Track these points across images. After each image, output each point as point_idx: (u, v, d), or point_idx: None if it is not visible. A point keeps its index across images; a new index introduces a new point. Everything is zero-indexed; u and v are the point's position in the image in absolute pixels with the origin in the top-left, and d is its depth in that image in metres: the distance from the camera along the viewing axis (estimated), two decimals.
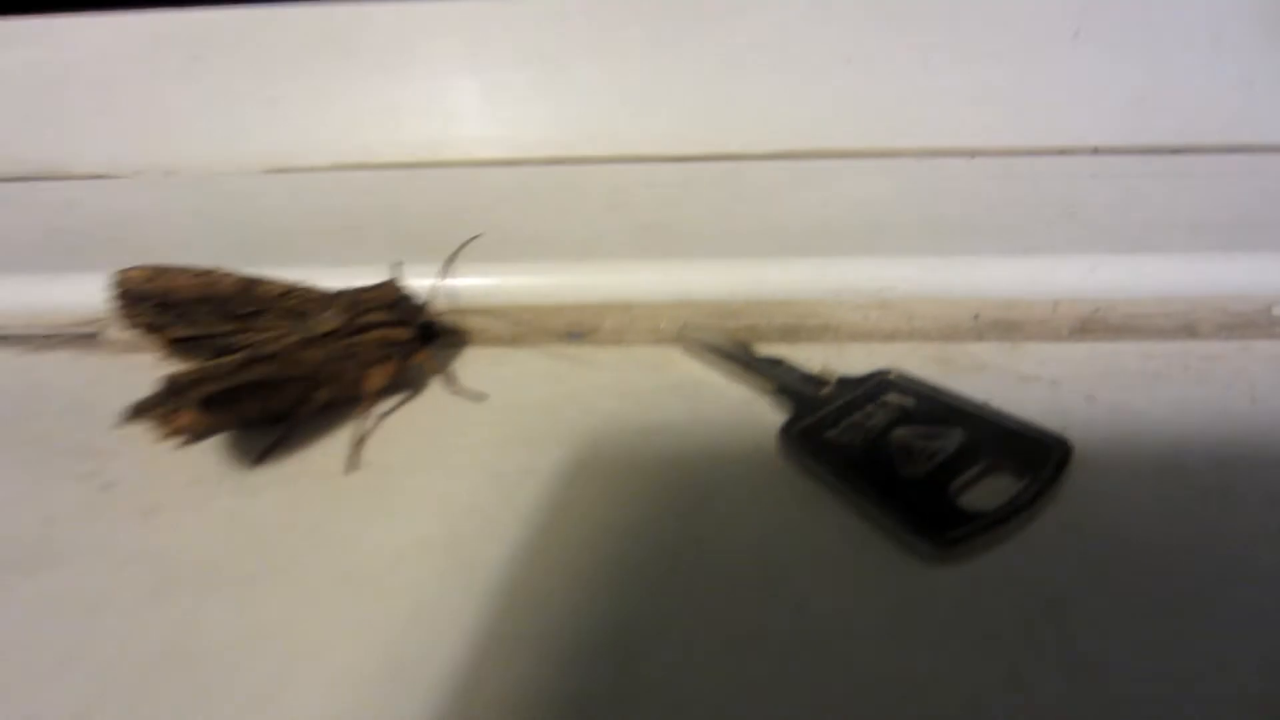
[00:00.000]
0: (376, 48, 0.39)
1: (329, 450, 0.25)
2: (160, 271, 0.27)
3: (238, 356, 0.24)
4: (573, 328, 0.29)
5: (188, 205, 0.35)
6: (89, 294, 0.30)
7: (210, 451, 0.25)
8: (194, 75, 0.39)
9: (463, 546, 0.22)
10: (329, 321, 0.26)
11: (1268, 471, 0.22)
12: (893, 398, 0.25)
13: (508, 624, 0.20)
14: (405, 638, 0.20)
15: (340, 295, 0.27)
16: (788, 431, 0.24)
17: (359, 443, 0.25)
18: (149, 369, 0.27)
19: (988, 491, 0.22)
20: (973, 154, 0.34)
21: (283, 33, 0.39)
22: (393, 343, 0.26)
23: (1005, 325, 0.28)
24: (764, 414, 0.26)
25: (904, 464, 0.23)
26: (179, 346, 0.27)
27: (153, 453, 0.25)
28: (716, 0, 0.39)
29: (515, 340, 0.29)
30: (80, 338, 0.30)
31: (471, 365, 0.28)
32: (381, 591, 0.21)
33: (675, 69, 0.38)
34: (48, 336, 0.30)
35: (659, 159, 0.36)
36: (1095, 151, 0.34)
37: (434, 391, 0.27)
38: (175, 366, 0.25)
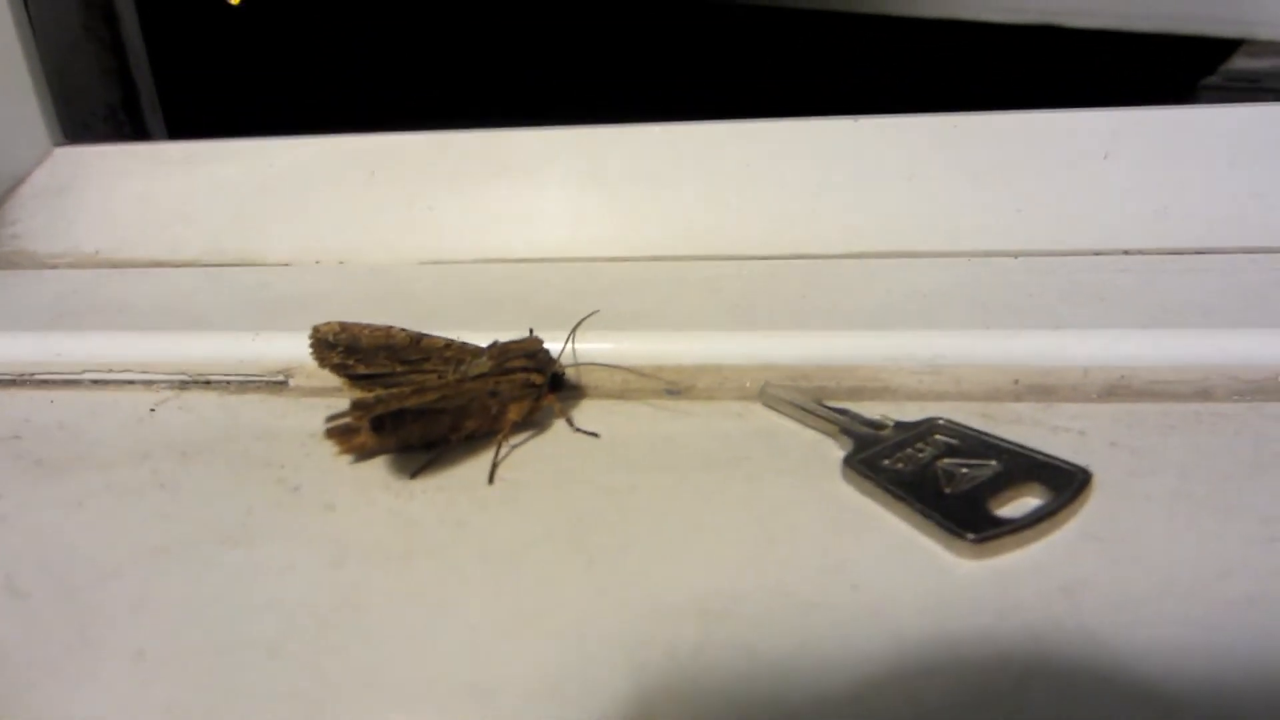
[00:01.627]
0: (515, 165, 0.47)
1: (472, 469, 0.31)
2: (346, 326, 0.34)
3: (408, 388, 0.30)
4: (671, 385, 0.35)
5: (357, 288, 0.43)
6: (277, 349, 0.37)
7: (376, 467, 0.31)
8: (368, 186, 0.47)
9: (579, 537, 0.27)
10: (482, 365, 0.32)
11: (1267, 496, 0.26)
12: (940, 437, 0.30)
13: (614, 590, 0.25)
14: (531, 601, 0.25)
15: (492, 345, 0.33)
16: (850, 460, 0.29)
17: (497, 463, 0.31)
18: (325, 408, 0.34)
19: (1018, 506, 0.27)
20: (1016, 255, 0.39)
21: (441, 152, 0.48)
22: (530, 385, 0.32)
23: (1041, 389, 0.32)
24: (830, 450, 0.30)
25: (947, 484, 0.27)
26: (359, 382, 0.33)
27: (331, 465, 0.31)
28: (800, 136, 0.46)
29: (623, 395, 0.35)
30: (270, 384, 0.37)
31: (587, 411, 0.34)
32: (513, 567, 0.26)
33: (762, 184, 0.45)
34: (243, 382, 0.37)
35: (747, 258, 0.42)
36: (1125, 253, 0.39)
37: (556, 430, 0.33)
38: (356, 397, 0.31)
